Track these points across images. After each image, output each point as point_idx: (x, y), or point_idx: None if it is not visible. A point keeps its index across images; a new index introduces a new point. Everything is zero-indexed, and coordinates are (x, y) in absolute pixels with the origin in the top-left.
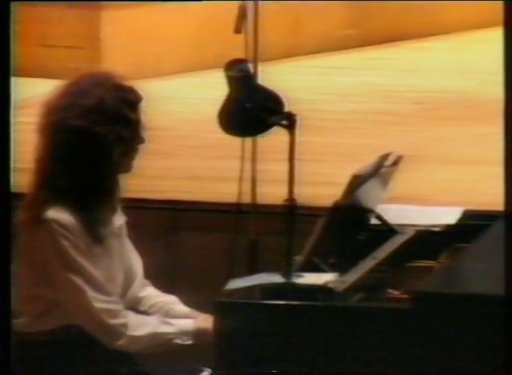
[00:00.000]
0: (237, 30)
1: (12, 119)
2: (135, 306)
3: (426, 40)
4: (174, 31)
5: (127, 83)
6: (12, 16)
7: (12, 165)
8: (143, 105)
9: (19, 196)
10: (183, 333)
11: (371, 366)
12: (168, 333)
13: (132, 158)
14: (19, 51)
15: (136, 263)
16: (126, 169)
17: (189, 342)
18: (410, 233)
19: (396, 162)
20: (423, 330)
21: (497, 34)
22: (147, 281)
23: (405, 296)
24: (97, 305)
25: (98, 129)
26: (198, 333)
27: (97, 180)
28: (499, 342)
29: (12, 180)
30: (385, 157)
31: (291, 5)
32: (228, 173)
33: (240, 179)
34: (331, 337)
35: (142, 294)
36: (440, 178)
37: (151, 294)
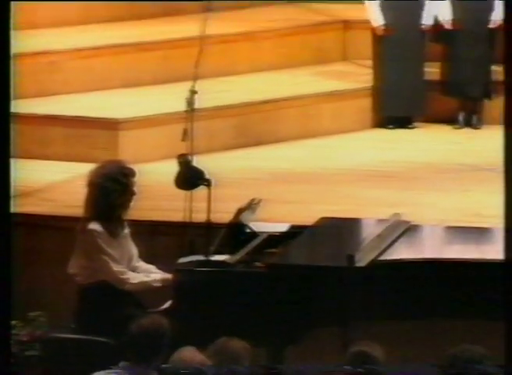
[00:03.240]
0: (183, 140)
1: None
2: (133, 270)
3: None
4: (157, 142)
5: (128, 165)
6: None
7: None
8: (136, 176)
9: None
10: (156, 281)
11: (242, 305)
12: (149, 281)
13: (128, 201)
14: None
15: (134, 250)
16: (126, 207)
17: (159, 285)
18: (265, 235)
19: (258, 203)
20: (273, 284)
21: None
22: (139, 258)
23: (263, 266)
24: (115, 269)
25: (106, 184)
26: (164, 281)
27: (110, 210)
28: (311, 296)
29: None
30: (253, 200)
31: (209, 127)
32: (178, 207)
33: (184, 210)
34: (226, 287)
35: (137, 264)
36: (279, 212)
37: (141, 264)
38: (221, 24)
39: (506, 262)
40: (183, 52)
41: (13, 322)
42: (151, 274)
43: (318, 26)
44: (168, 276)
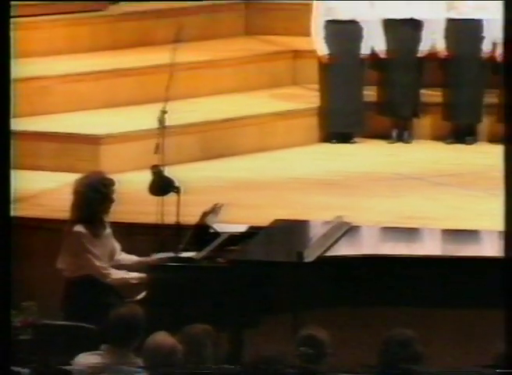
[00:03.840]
0: (155, 153)
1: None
2: (116, 264)
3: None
4: (133, 155)
5: (108, 176)
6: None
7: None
8: (115, 185)
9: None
10: (133, 278)
11: (207, 295)
12: (128, 278)
13: (108, 207)
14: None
15: (117, 246)
16: (106, 212)
17: (136, 281)
18: (227, 235)
19: (220, 207)
20: (233, 277)
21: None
22: (122, 252)
23: (225, 261)
24: (98, 264)
25: (88, 193)
26: (140, 279)
27: (92, 215)
28: (266, 288)
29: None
30: (216, 204)
31: (178, 142)
32: (152, 211)
33: (157, 214)
34: (193, 280)
35: (120, 257)
36: (238, 215)
37: (123, 256)
38: (188, 53)
39: (505, 261)
40: (156, 78)
41: None
42: (129, 273)
43: (271, 55)
44: (144, 275)
